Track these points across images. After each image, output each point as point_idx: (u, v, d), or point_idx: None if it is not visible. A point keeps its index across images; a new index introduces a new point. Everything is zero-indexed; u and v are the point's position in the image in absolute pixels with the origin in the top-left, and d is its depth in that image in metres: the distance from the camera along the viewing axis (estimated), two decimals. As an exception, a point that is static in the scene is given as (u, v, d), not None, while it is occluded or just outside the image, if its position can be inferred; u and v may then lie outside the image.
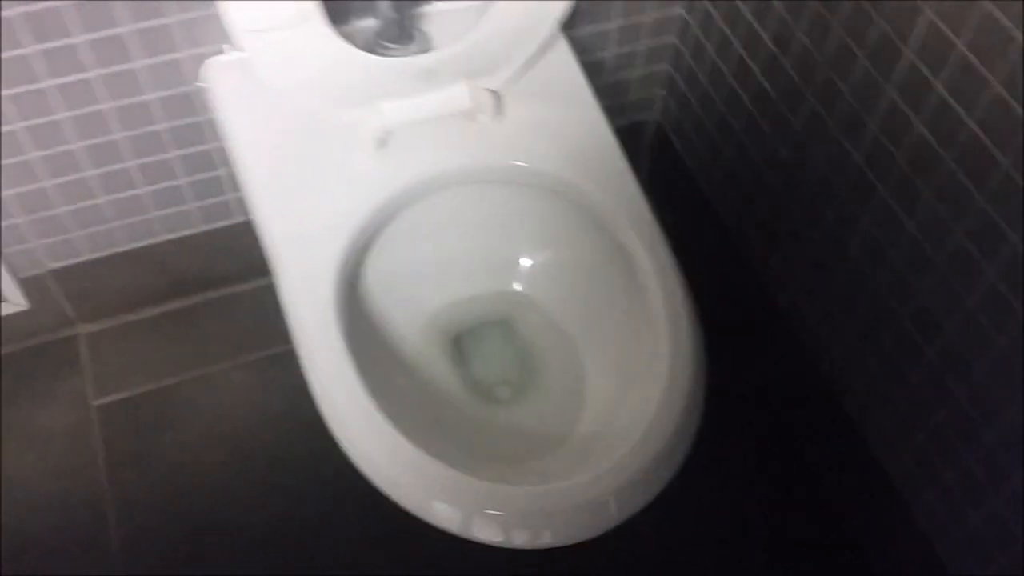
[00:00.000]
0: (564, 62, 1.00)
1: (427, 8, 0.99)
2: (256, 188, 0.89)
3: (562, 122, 0.95)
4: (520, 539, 0.76)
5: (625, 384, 0.89)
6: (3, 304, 1.14)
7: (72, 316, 1.21)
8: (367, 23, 0.96)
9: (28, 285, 1.14)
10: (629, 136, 1.33)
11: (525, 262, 1.01)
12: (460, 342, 1.00)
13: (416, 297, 0.97)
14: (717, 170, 1.22)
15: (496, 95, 0.94)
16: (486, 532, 0.76)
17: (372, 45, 0.95)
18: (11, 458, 1.14)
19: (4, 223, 1.05)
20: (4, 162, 0.99)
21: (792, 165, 1.04)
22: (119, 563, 1.08)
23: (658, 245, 0.87)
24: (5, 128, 0.96)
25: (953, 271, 0.85)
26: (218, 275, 1.24)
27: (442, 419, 0.91)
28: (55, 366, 1.20)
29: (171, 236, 1.16)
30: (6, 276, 1.11)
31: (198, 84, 0.98)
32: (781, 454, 1.19)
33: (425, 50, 0.95)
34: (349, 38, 0.96)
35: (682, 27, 1.18)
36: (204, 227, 1.16)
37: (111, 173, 1.05)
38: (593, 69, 1.19)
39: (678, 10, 1.16)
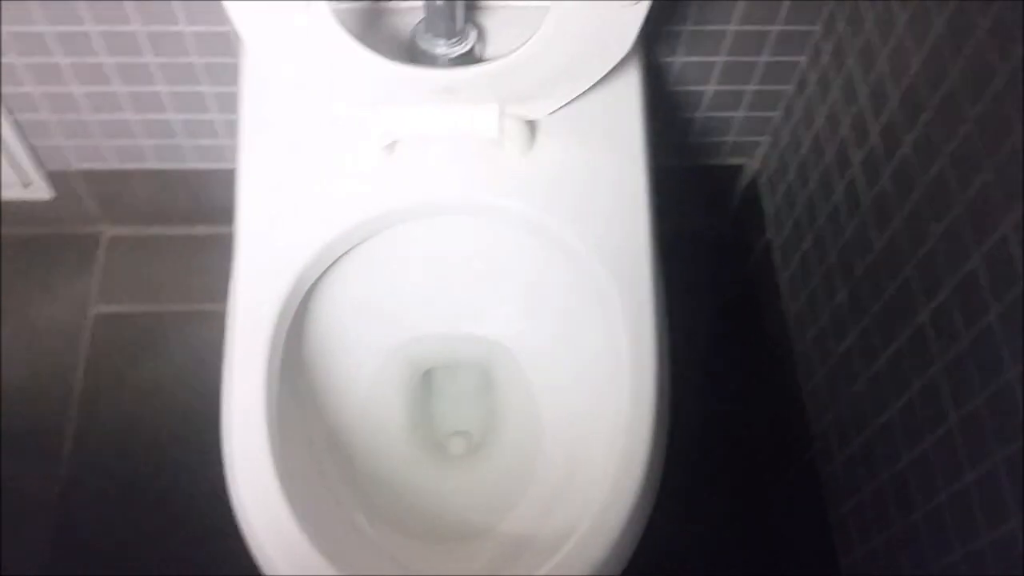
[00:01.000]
0: (625, 96, 0.85)
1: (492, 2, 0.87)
2: (244, 155, 0.82)
3: (598, 175, 0.82)
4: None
5: (571, 476, 0.79)
6: (28, 188, 1.12)
7: (97, 215, 1.19)
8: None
9: (54, 178, 1.12)
10: (723, 177, 1.19)
11: (514, 312, 0.90)
12: (432, 376, 0.92)
13: (388, 322, 0.88)
14: (793, 249, 1.06)
15: (531, 125, 0.82)
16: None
17: (416, 35, 0.84)
18: (-2, 340, 1.15)
19: (29, 116, 1.02)
20: (32, 60, 0.95)
21: (865, 290, 0.89)
22: (63, 476, 1.08)
23: (646, 352, 0.75)
24: (34, 28, 0.91)
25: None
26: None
27: (372, 473, 0.82)
28: (70, 260, 1.19)
29: (202, 166, 1.10)
30: (31, 165, 1.09)
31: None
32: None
33: (474, 55, 0.83)
34: (392, 18, 0.86)
35: (800, 79, 1.01)
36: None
37: (141, 94, 1.00)
38: (691, 100, 1.05)
39: (799, 59, 0.99)
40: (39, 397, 1.11)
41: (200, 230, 1.21)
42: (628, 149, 0.83)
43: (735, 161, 1.15)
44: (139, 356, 1.14)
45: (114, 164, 1.09)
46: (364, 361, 0.87)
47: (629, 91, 0.86)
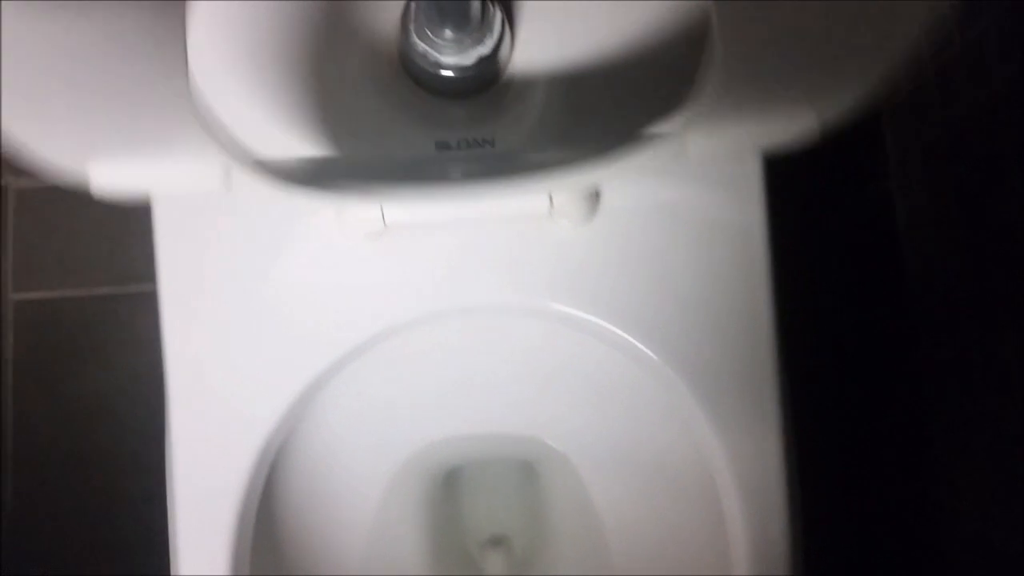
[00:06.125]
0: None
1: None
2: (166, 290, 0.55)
3: (680, 260, 0.55)
4: None
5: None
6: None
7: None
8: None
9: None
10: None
11: (566, 412, 0.64)
12: (458, 474, 0.69)
13: (401, 430, 0.64)
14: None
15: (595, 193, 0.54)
16: None
17: (412, 32, 0.51)
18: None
19: None
20: None
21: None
22: (6, 501, 0.91)
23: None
24: None
25: None
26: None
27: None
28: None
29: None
30: None
31: None
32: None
33: (499, 61, 0.52)
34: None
35: None
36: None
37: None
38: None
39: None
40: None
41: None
42: (746, 233, 0.55)
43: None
44: (73, 351, 0.92)
45: None
46: (369, 485, 0.64)
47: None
